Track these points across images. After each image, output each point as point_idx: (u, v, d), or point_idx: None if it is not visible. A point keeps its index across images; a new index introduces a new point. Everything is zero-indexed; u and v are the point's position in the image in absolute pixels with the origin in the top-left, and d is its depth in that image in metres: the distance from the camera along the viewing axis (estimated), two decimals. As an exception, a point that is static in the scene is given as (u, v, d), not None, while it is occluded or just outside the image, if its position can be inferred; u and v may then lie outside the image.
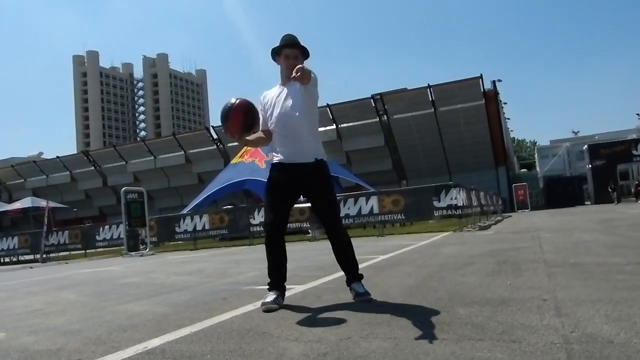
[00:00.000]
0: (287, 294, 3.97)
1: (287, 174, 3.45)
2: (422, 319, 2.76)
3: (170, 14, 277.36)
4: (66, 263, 14.97)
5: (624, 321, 2.41)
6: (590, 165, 36.81)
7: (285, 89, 3.50)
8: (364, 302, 3.36)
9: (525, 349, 2.08)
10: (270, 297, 3.41)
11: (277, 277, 3.51)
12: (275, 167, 3.51)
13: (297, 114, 3.41)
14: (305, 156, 3.44)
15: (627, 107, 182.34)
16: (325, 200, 3.52)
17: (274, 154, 3.52)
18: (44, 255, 18.06)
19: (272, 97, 3.54)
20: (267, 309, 3.31)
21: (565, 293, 3.24)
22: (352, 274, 3.53)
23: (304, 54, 3.56)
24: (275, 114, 3.47)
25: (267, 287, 3.53)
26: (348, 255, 3.55)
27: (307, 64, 3.45)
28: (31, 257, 19.91)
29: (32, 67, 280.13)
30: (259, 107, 3.54)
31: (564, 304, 2.91)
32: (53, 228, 20.00)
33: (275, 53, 3.54)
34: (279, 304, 3.40)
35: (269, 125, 3.53)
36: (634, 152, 35.22)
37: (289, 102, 3.44)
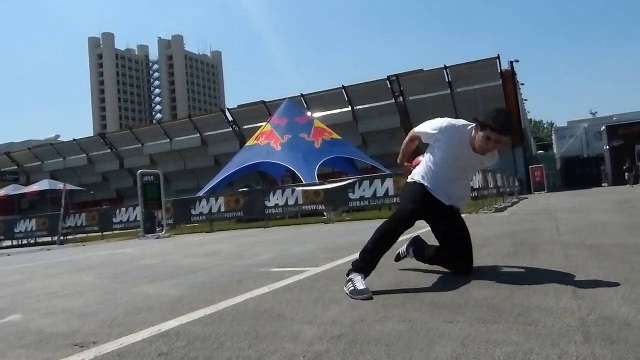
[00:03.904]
0: (301, 276, 3.98)
1: (428, 199, 3.59)
2: (437, 301, 2.74)
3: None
4: (83, 245, 15.16)
5: (643, 304, 2.37)
6: (607, 146, 36.25)
7: (477, 154, 3.49)
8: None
9: (542, 332, 2.05)
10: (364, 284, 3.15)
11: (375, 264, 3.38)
12: (422, 188, 3.60)
13: (471, 176, 4.15)
14: (449, 200, 3.61)
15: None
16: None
17: (421, 177, 3.62)
18: (62, 238, 18.34)
19: (461, 148, 3.47)
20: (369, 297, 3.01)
21: (582, 275, 3.19)
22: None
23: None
24: (457, 164, 3.56)
25: (358, 272, 3.24)
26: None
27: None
28: (49, 239, 20.21)
29: (48, 49, 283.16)
30: (432, 128, 3.56)
31: (581, 285, 2.87)
32: (70, 210, 20.25)
33: (480, 123, 3.36)
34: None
35: (438, 161, 3.56)
36: (654, 132, 34.50)
37: (473, 165, 3.74)
